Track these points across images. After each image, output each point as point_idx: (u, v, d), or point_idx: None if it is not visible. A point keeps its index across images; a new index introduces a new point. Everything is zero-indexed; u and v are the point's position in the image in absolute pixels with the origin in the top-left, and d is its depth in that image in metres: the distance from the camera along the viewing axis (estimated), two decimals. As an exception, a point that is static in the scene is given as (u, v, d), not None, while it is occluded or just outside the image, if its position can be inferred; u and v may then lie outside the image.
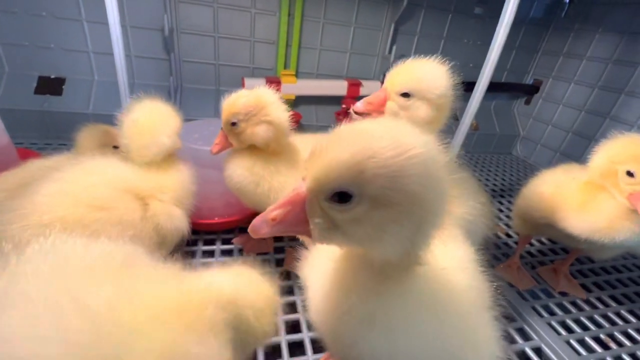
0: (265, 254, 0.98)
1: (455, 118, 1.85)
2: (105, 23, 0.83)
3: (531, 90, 2.05)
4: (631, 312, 0.95)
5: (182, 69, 1.62)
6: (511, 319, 0.88)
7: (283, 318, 0.78)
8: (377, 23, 1.76)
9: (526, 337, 0.84)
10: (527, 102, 2.10)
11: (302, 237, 0.40)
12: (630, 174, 0.73)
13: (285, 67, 1.72)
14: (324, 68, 1.79)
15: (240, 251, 0.98)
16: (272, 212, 0.33)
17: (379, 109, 0.70)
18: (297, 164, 0.79)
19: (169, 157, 0.75)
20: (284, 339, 0.74)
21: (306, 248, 0.50)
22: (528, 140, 2.10)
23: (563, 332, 0.86)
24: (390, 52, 1.75)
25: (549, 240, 1.23)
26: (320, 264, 0.44)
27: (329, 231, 0.32)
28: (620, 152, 0.76)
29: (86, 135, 0.90)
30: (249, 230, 0.34)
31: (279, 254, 0.98)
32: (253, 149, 0.78)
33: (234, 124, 0.74)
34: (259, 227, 0.33)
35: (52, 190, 0.59)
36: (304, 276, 0.48)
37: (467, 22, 1.86)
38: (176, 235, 0.73)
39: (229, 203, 1.02)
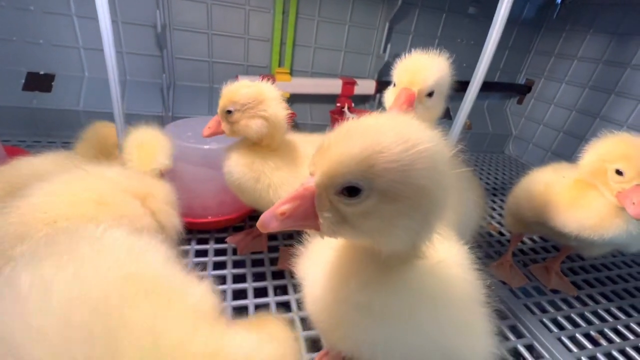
0: (259, 253, 0.98)
1: (449, 117, 1.87)
2: (95, 18, 0.81)
3: (523, 90, 2.07)
4: (620, 309, 0.96)
5: (175, 66, 1.60)
6: (504, 317, 0.89)
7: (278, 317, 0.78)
8: (372, 22, 1.76)
9: (518, 335, 0.85)
10: (520, 102, 2.13)
11: (309, 231, 0.40)
12: (619, 172, 0.74)
13: (280, 65, 1.71)
14: (318, 66, 1.79)
15: (234, 250, 0.98)
16: (280, 206, 0.33)
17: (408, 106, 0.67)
18: (296, 161, 0.79)
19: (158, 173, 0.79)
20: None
21: (301, 245, 0.50)
22: (520, 140, 2.12)
23: (554, 329, 0.87)
24: (384, 51, 1.75)
25: (541, 238, 1.25)
26: (318, 256, 0.44)
27: (338, 225, 0.32)
28: (610, 151, 0.77)
29: (97, 131, 0.91)
30: (257, 225, 0.33)
31: (273, 253, 0.98)
32: (251, 145, 0.78)
33: (229, 112, 0.74)
34: (268, 221, 0.33)
35: (51, 189, 0.60)
36: (300, 271, 0.48)
37: (461, 22, 1.88)
38: (174, 233, 0.75)
39: (223, 202, 1.01)
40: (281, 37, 1.64)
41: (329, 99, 1.82)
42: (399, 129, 0.30)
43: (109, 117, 0.86)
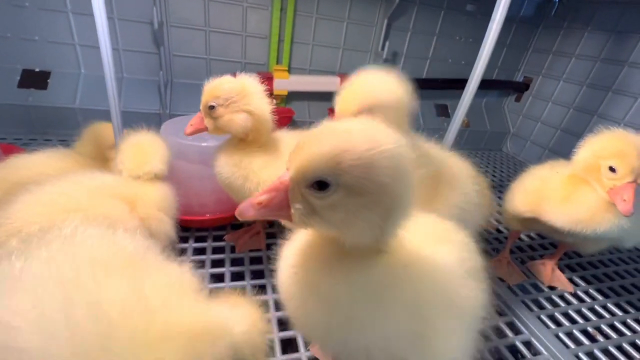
0: (258, 250, 0.98)
1: (447, 115, 1.86)
2: (91, 15, 0.80)
3: (521, 87, 2.08)
4: (617, 306, 0.97)
5: (172, 63, 1.59)
6: (501, 313, 0.89)
7: (275, 315, 0.78)
8: (370, 19, 1.76)
9: (516, 331, 0.85)
10: (518, 100, 2.13)
11: (283, 222, 0.44)
12: (612, 169, 0.74)
13: (278, 62, 1.70)
14: (316, 64, 1.78)
15: (232, 248, 0.97)
16: (258, 197, 0.36)
17: None
18: (284, 158, 0.79)
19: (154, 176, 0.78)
20: (276, 337, 0.74)
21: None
22: (518, 137, 2.13)
23: (552, 325, 0.88)
24: (383, 48, 1.75)
25: (538, 235, 1.25)
26: (289, 252, 0.46)
27: (308, 216, 0.35)
28: (604, 148, 0.77)
29: (96, 132, 0.91)
30: (236, 213, 0.37)
31: (271, 250, 0.97)
32: (238, 143, 0.77)
33: (212, 107, 0.73)
34: (246, 210, 0.36)
35: (29, 199, 0.60)
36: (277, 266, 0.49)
37: (459, 19, 1.87)
38: (164, 239, 0.74)
39: (220, 199, 1.00)
40: (279, 34, 1.63)
41: (327, 96, 1.81)
42: (367, 132, 0.34)
43: (106, 114, 0.86)
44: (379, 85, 0.63)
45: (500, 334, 0.83)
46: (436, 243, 0.49)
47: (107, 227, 0.40)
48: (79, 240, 0.35)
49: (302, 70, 1.77)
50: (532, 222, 0.92)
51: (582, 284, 1.04)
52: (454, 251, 0.49)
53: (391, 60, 1.85)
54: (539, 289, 1.00)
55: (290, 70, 1.73)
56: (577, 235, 0.80)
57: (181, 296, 0.37)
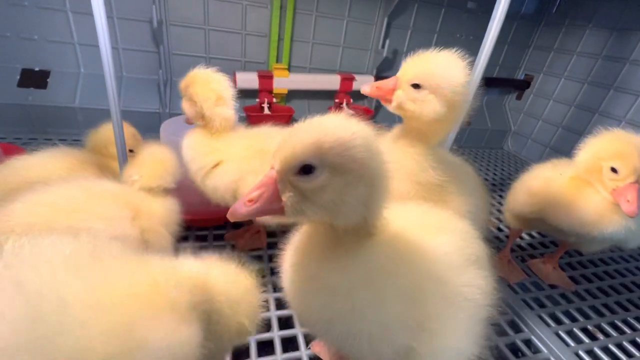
0: (258, 249, 0.98)
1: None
2: (91, 14, 0.80)
3: (522, 85, 2.07)
4: (618, 304, 0.97)
5: (171, 61, 1.58)
6: (502, 312, 0.89)
7: (275, 314, 0.78)
8: (370, 17, 1.75)
9: (517, 329, 0.85)
10: (519, 97, 2.12)
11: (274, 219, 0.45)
12: (614, 170, 0.74)
13: (278, 60, 1.70)
14: (316, 62, 1.78)
15: (233, 247, 0.97)
16: (248, 195, 0.38)
17: (386, 96, 0.68)
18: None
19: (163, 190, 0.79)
20: (276, 335, 0.74)
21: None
22: (519, 135, 2.12)
23: (552, 323, 0.88)
24: (383, 46, 1.74)
25: (539, 233, 1.25)
26: (291, 250, 0.48)
27: (300, 203, 0.38)
28: (605, 149, 0.77)
29: (103, 134, 0.91)
30: (227, 215, 0.39)
31: (272, 249, 0.98)
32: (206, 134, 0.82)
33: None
34: (238, 209, 0.38)
35: (30, 198, 0.60)
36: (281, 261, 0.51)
37: (459, 17, 1.86)
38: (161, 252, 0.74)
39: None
40: (279, 32, 1.62)
41: (327, 95, 1.81)
42: (339, 122, 0.39)
43: (105, 113, 0.85)
44: (441, 64, 0.64)
45: (501, 332, 0.83)
46: (435, 232, 0.50)
47: (105, 229, 0.40)
48: (46, 244, 0.36)
49: (302, 69, 1.77)
50: (534, 222, 0.91)
51: (583, 282, 1.04)
52: (454, 240, 0.50)
53: (391, 59, 1.84)
54: (539, 288, 1.00)
55: (290, 68, 1.72)
56: (583, 236, 0.80)
57: (135, 265, 0.38)
